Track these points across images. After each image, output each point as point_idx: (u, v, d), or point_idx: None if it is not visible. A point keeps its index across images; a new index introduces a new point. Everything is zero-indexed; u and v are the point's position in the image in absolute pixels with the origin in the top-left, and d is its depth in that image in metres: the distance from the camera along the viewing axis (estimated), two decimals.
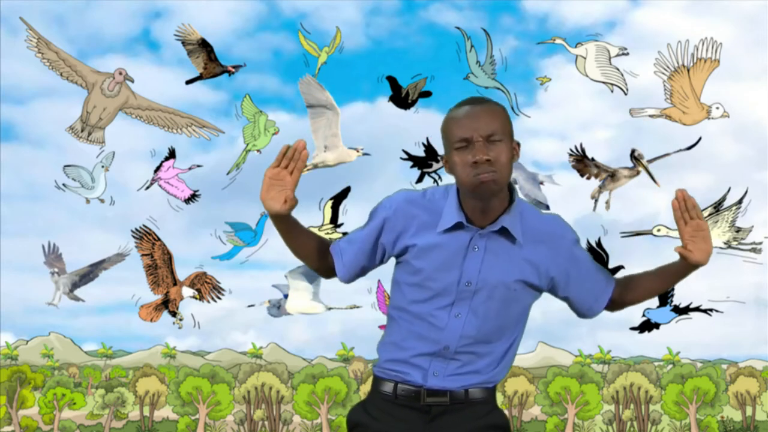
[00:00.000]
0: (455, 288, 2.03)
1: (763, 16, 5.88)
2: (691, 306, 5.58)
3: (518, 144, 2.05)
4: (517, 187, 5.60)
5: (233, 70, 5.75)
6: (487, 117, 1.98)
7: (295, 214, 2.19)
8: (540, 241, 2.08)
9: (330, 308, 5.63)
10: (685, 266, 2.21)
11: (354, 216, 5.62)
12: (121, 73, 5.71)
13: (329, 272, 2.21)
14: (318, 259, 2.19)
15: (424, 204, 2.08)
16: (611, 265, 5.60)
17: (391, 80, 5.61)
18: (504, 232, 2.03)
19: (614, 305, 2.26)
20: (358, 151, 5.62)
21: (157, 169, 5.79)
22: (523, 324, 2.15)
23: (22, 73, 6.19)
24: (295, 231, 2.17)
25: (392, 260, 2.16)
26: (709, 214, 5.53)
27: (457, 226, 2.03)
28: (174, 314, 5.78)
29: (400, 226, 2.08)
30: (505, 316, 2.06)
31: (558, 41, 5.66)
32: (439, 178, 5.60)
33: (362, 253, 2.13)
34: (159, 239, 5.76)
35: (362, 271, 2.17)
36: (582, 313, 2.22)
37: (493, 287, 2.02)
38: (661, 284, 2.22)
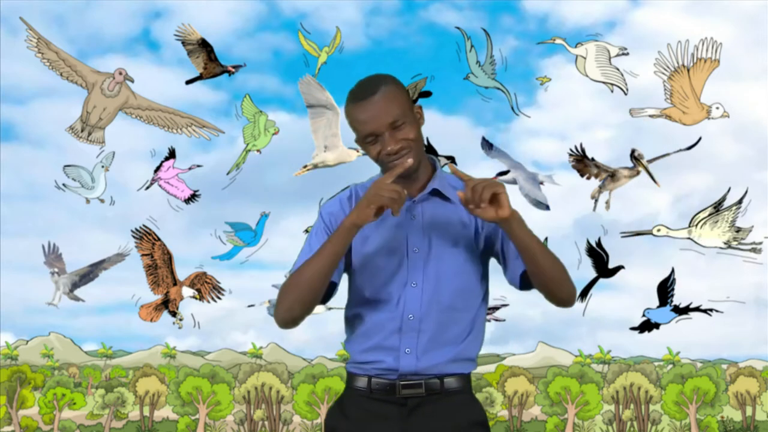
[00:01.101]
0: (405, 258, 2.05)
1: (763, 16, 5.88)
2: (691, 306, 5.58)
3: (420, 107, 2.12)
4: (516, 186, 5.62)
5: (233, 70, 5.75)
6: (384, 105, 2.05)
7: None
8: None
9: (330, 308, 5.62)
10: (504, 228, 1.99)
11: None
12: (121, 73, 5.71)
13: (324, 298, 2.11)
14: (320, 296, 2.09)
15: (355, 194, 2.15)
16: (611, 265, 5.61)
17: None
18: (437, 193, 2.10)
19: (525, 278, 2.10)
20: (358, 151, 5.62)
21: (157, 169, 5.79)
22: (485, 289, 2.13)
23: (22, 73, 6.19)
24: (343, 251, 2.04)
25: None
26: (709, 214, 5.53)
27: None
28: (174, 314, 5.78)
29: (339, 219, 2.09)
30: (461, 277, 2.06)
31: (558, 41, 5.66)
32: None
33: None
34: (159, 239, 5.76)
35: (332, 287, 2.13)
36: (509, 272, 2.10)
37: (440, 248, 2.04)
38: (526, 259, 2.01)
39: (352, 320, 2.14)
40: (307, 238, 2.19)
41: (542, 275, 2.01)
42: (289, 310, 2.10)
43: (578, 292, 2.12)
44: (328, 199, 2.20)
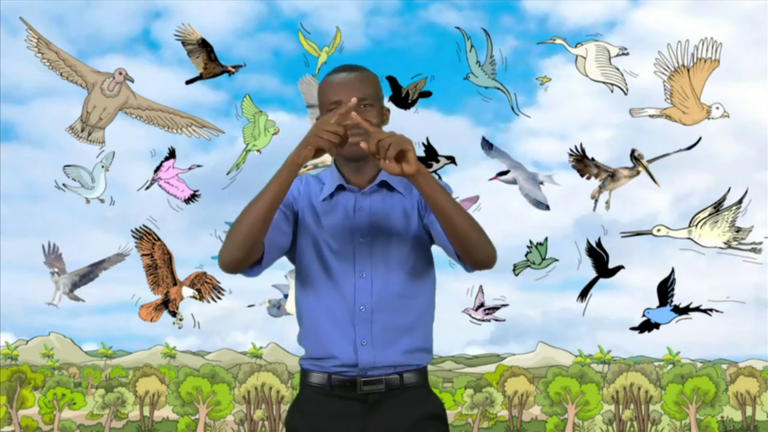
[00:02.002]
0: (352, 248, 2.07)
1: (763, 16, 5.88)
2: (691, 306, 5.58)
3: (388, 110, 2.20)
4: (516, 186, 5.62)
5: (233, 70, 5.75)
6: (359, 83, 2.12)
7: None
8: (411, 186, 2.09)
9: None
10: (413, 184, 1.98)
11: None
12: (121, 73, 5.71)
13: (256, 257, 2.04)
14: (260, 239, 2.01)
15: (306, 180, 2.23)
16: (611, 265, 5.61)
17: (391, 80, 5.61)
18: (384, 185, 2.13)
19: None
20: None
21: (157, 169, 5.79)
22: (432, 276, 2.15)
23: (22, 73, 6.19)
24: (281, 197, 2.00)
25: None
26: (709, 214, 5.53)
27: (340, 189, 2.14)
28: (174, 314, 5.78)
29: (291, 196, 2.16)
30: (408, 265, 2.08)
31: (558, 41, 5.66)
32: (439, 178, 5.60)
33: (276, 229, 2.07)
34: (159, 239, 5.76)
35: (279, 253, 2.12)
36: (441, 241, 2.09)
37: (386, 237, 2.06)
38: (438, 216, 1.98)
39: (303, 314, 2.13)
40: None
41: (455, 232, 1.96)
42: (229, 251, 1.99)
43: (495, 254, 2.04)
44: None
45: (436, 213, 1.97)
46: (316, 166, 5.69)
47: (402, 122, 5.64)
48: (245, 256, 2.00)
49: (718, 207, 5.54)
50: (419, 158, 5.67)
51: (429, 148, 5.64)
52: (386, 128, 2.13)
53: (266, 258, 2.07)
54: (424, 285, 2.13)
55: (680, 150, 5.58)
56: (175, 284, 5.76)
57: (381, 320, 2.05)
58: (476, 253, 2.00)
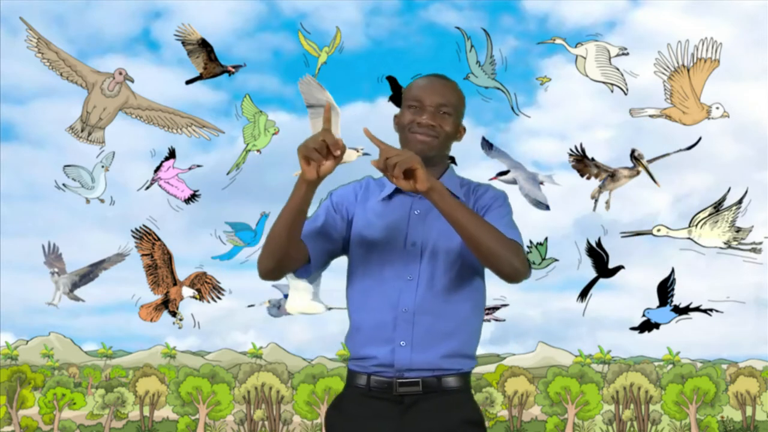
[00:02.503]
0: (402, 251, 2.09)
1: (763, 16, 5.88)
2: (691, 306, 5.58)
3: (464, 128, 2.23)
4: (516, 186, 5.62)
5: (233, 70, 5.75)
6: (446, 91, 2.15)
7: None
8: (478, 192, 2.20)
9: (330, 308, 5.63)
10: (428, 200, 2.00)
11: None
12: (121, 73, 5.71)
13: (298, 263, 2.10)
14: (297, 246, 2.08)
15: (367, 183, 2.23)
16: (611, 265, 5.61)
17: (391, 80, 5.60)
18: None
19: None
20: (358, 151, 5.61)
21: (157, 169, 5.79)
22: (481, 286, 2.15)
23: (22, 73, 6.20)
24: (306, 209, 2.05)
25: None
26: (709, 214, 5.53)
27: (398, 191, 2.15)
28: (174, 314, 5.78)
29: (348, 201, 2.18)
30: (455, 270, 2.08)
31: (558, 41, 5.66)
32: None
33: (323, 236, 2.13)
34: (159, 239, 5.76)
35: (328, 256, 2.16)
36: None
37: (437, 242, 2.07)
38: (457, 230, 2.00)
39: (350, 314, 2.17)
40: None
41: (476, 247, 1.98)
42: (262, 262, 2.08)
43: (524, 268, 2.04)
44: (338, 188, 2.25)
45: (455, 228, 1.97)
46: None
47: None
48: (277, 266, 2.06)
49: (718, 207, 5.54)
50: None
51: None
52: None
53: (315, 262, 2.12)
54: (471, 291, 2.12)
55: (680, 150, 5.58)
56: (175, 284, 5.76)
57: (423, 323, 2.05)
58: (500, 267, 2.01)
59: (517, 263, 2.01)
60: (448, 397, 2.05)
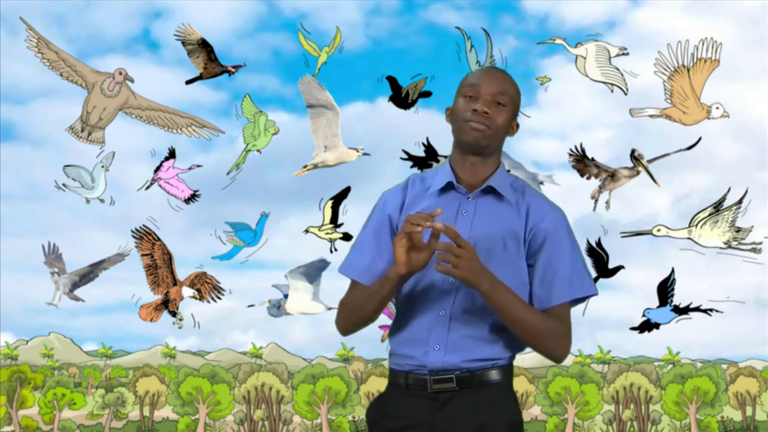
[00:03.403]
0: None
1: (763, 16, 5.88)
2: (691, 306, 5.58)
3: (518, 125, 2.15)
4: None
5: (233, 70, 5.75)
6: (502, 81, 2.10)
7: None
8: (533, 205, 2.11)
9: (330, 308, 5.63)
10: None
11: (354, 216, 5.63)
12: (121, 73, 5.71)
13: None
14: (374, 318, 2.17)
15: (411, 183, 2.17)
16: (611, 265, 5.61)
17: (391, 80, 5.61)
18: (492, 191, 2.10)
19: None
20: (358, 151, 5.62)
21: (157, 169, 5.79)
22: (526, 293, 2.09)
23: (22, 73, 6.19)
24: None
25: None
26: (709, 214, 5.53)
27: (449, 187, 2.10)
28: (174, 314, 5.78)
29: (396, 205, 2.14)
30: (500, 275, 2.01)
31: (558, 41, 5.66)
32: None
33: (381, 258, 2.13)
34: (159, 239, 5.76)
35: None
36: (533, 296, 2.09)
37: (483, 246, 2.01)
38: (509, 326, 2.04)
39: (396, 312, 2.17)
40: (362, 230, 2.19)
41: (524, 339, 2.04)
42: (345, 329, 2.17)
43: (566, 353, 2.11)
44: (388, 190, 2.21)
45: (505, 320, 2.01)
46: (316, 167, 5.69)
47: (402, 122, 5.65)
48: (362, 328, 2.16)
49: (718, 207, 5.54)
50: (419, 158, 5.68)
51: (429, 148, 5.64)
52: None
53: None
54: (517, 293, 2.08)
55: (680, 150, 5.58)
56: (175, 284, 5.76)
57: (458, 328, 2.03)
58: (543, 354, 2.08)
59: (559, 352, 2.08)
60: (483, 393, 2.02)
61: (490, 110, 2.05)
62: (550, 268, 2.06)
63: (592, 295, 2.10)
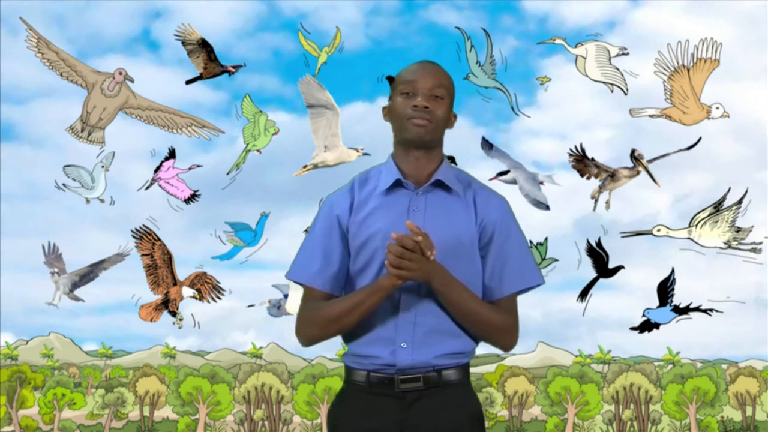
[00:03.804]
0: None
1: (763, 16, 5.88)
2: (691, 306, 5.58)
3: (455, 116, 2.20)
4: (516, 186, 5.62)
5: (233, 70, 5.75)
6: (437, 74, 2.14)
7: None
8: (479, 195, 2.14)
9: None
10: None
11: None
12: (121, 73, 5.71)
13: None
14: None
15: (358, 184, 2.16)
16: (611, 265, 5.61)
17: (391, 80, 5.58)
18: (440, 185, 2.11)
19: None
20: (358, 151, 5.62)
21: (157, 169, 5.79)
22: (482, 283, 2.12)
23: (22, 73, 6.19)
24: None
25: None
26: (709, 214, 5.53)
27: (397, 185, 2.11)
28: (174, 314, 5.78)
29: (345, 207, 2.13)
30: (456, 268, 2.04)
31: (558, 41, 5.66)
32: None
33: (342, 273, 2.13)
34: (159, 239, 5.76)
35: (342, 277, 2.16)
36: (484, 287, 2.12)
37: (437, 242, 2.00)
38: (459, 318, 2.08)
39: None
40: (308, 235, 2.17)
41: (472, 330, 2.07)
42: (314, 341, 2.13)
43: (513, 343, 2.17)
44: (332, 193, 2.20)
45: (453, 313, 2.04)
46: (316, 167, 5.69)
47: None
48: (324, 340, 2.14)
49: (718, 207, 5.54)
50: None
51: None
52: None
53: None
54: (473, 291, 2.09)
55: (680, 150, 5.58)
56: (175, 284, 5.76)
57: (425, 324, 2.04)
58: (493, 345, 2.13)
59: (508, 345, 2.13)
60: (450, 391, 2.05)
61: (429, 104, 2.08)
62: (500, 259, 2.10)
63: (539, 285, 2.14)
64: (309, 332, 2.11)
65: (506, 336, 2.11)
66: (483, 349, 2.19)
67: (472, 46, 5.59)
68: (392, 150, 2.17)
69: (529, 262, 2.14)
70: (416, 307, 2.04)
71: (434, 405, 2.03)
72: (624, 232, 5.62)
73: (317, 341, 2.12)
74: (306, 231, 6.18)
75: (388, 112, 2.16)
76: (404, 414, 2.02)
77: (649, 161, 5.55)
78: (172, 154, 5.79)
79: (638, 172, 5.57)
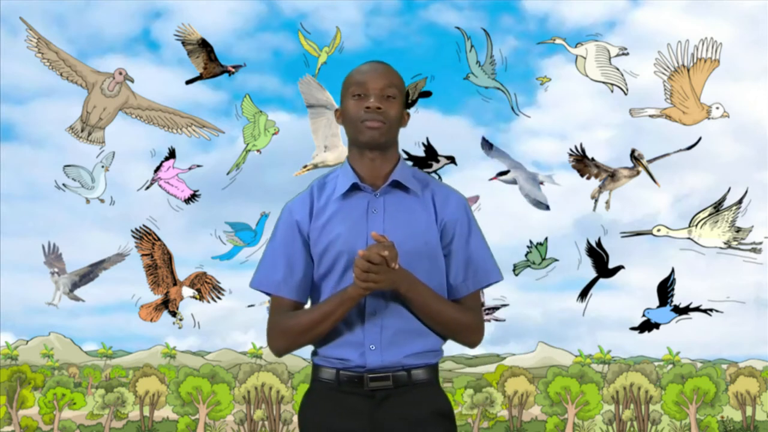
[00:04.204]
0: None
1: (763, 16, 5.88)
2: (691, 306, 5.58)
3: (408, 114, 2.17)
4: (516, 186, 5.62)
5: (233, 70, 5.75)
6: (387, 74, 2.11)
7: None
8: (437, 194, 2.15)
9: None
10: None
11: None
12: (121, 73, 5.71)
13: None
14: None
15: (316, 190, 2.16)
16: (611, 265, 5.61)
17: None
18: (398, 185, 2.11)
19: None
20: None
21: (157, 169, 5.79)
22: (444, 280, 2.13)
23: (22, 73, 6.19)
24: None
25: None
26: (709, 214, 5.53)
27: (354, 188, 2.10)
28: (174, 314, 5.78)
29: (305, 213, 2.13)
30: (419, 269, 2.04)
31: (558, 41, 5.66)
32: (439, 178, 5.60)
33: (307, 281, 2.14)
34: (159, 239, 5.76)
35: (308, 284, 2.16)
36: (447, 286, 2.13)
37: (398, 243, 2.00)
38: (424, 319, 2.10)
39: None
40: (270, 243, 2.16)
41: (438, 330, 2.09)
42: (286, 350, 2.14)
43: (478, 341, 2.20)
44: (291, 200, 2.20)
45: (419, 315, 2.06)
46: (316, 167, 5.69)
47: None
48: (294, 350, 2.15)
49: (718, 207, 5.54)
50: (419, 158, 5.68)
51: (429, 148, 5.64)
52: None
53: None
54: (437, 290, 2.10)
55: (680, 150, 5.58)
56: (175, 284, 5.76)
57: (392, 325, 2.04)
58: (459, 342, 2.16)
59: (474, 342, 2.16)
60: (418, 390, 2.06)
61: (382, 105, 2.06)
62: (464, 257, 2.12)
63: (499, 281, 2.17)
64: (280, 344, 2.11)
65: (472, 334, 2.13)
66: (483, 349, 2.20)
67: (472, 46, 5.59)
68: (347, 153, 2.17)
69: (490, 258, 2.17)
70: (382, 311, 2.04)
71: (403, 403, 2.04)
72: (624, 232, 5.62)
73: (289, 351, 2.13)
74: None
75: (341, 115, 2.14)
76: (373, 412, 2.03)
77: (649, 161, 5.56)
78: (172, 154, 5.79)
79: (638, 172, 5.57)
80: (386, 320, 2.04)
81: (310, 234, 2.11)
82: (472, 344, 2.15)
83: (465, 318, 2.10)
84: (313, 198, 2.14)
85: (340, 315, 2.02)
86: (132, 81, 5.72)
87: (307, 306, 2.15)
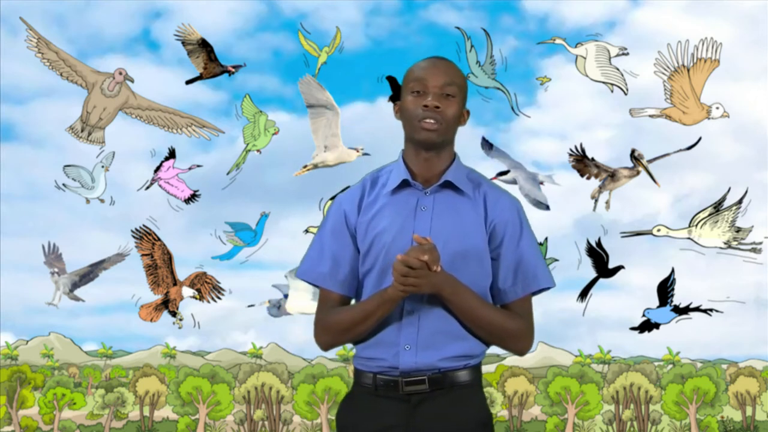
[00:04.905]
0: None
1: (763, 16, 5.88)
2: (691, 306, 5.58)
3: (468, 112, 2.12)
4: (516, 186, 5.62)
5: (233, 70, 5.75)
6: (448, 71, 2.06)
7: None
8: (489, 194, 2.09)
9: None
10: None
11: None
12: (121, 73, 5.71)
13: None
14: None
15: (369, 184, 2.13)
16: (611, 265, 5.61)
17: (391, 80, 5.60)
18: (449, 185, 2.07)
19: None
20: (358, 151, 5.62)
21: (157, 169, 5.79)
22: (488, 283, 2.09)
23: (22, 73, 6.19)
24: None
25: None
26: (709, 214, 5.53)
27: (404, 185, 2.07)
28: (174, 314, 5.78)
29: (353, 206, 2.10)
30: (464, 270, 2.00)
31: (558, 41, 5.66)
32: None
33: (353, 276, 2.11)
34: (159, 239, 5.76)
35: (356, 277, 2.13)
36: (496, 290, 2.08)
37: (444, 242, 1.97)
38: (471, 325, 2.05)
39: None
40: (318, 233, 2.15)
41: (484, 337, 2.05)
42: (331, 346, 2.15)
43: (527, 347, 2.11)
44: (343, 191, 2.19)
45: (465, 321, 2.01)
46: (316, 167, 5.69)
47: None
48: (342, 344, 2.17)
49: (718, 207, 5.54)
50: None
51: None
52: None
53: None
54: (483, 294, 2.05)
55: (680, 150, 5.58)
56: (175, 284, 5.77)
57: (430, 326, 2.00)
58: (507, 350, 2.12)
59: (522, 349, 2.09)
60: (455, 395, 2.01)
61: (440, 104, 2.01)
62: (513, 260, 2.06)
63: (551, 287, 2.10)
64: (325, 339, 2.11)
65: (519, 340, 2.06)
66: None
67: (472, 46, 5.59)
68: (403, 147, 2.13)
69: (542, 263, 2.10)
70: (420, 310, 2.00)
71: (439, 407, 2.00)
72: (624, 232, 5.62)
73: (334, 347, 2.13)
74: (306, 231, 6.14)
75: (399, 110, 2.09)
76: (409, 416, 1.99)
77: (649, 161, 5.56)
78: (172, 154, 5.79)
79: (638, 172, 5.57)
80: (424, 320, 2.00)
81: (357, 228, 2.08)
82: (520, 351, 2.08)
83: (511, 324, 2.03)
84: (364, 192, 2.11)
85: (380, 315, 1.99)
86: (132, 81, 5.72)
87: (353, 302, 2.13)
